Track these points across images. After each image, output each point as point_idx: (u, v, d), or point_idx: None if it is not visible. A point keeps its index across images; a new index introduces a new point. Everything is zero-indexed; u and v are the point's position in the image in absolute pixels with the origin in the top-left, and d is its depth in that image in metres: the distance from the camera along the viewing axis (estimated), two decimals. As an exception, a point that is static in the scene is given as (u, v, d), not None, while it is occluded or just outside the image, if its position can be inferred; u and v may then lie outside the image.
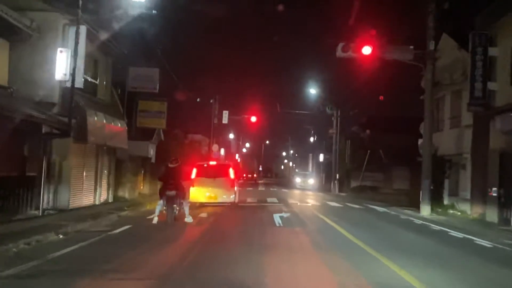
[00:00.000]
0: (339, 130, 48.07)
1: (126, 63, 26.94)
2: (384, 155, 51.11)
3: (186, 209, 14.92)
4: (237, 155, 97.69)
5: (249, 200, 26.63)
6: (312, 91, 48.15)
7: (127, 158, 25.03)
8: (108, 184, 21.78)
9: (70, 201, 17.27)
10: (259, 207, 21.80)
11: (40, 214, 15.26)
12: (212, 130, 48.58)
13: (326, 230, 14.23)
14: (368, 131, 50.19)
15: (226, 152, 78.68)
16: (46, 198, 16.44)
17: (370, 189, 46.29)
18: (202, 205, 20.38)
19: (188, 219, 14.83)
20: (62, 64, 15.70)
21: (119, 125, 21.50)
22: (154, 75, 29.65)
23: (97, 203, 20.35)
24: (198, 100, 41.74)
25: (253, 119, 48.50)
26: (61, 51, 15.74)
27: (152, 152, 29.89)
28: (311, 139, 74.59)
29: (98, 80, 20.70)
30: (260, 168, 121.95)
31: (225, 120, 48.25)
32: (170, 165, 14.67)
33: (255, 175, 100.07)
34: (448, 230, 15.48)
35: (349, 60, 24.17)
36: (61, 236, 11.41)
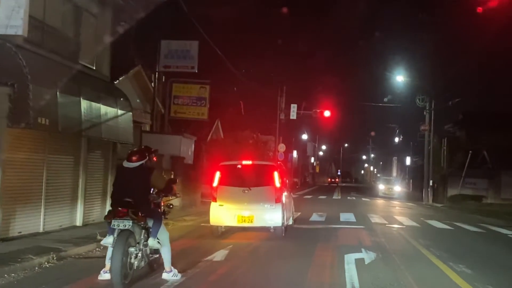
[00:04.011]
0: (433, 127, 39.04)
1: (143, 29, 19.93)
2: (489, 157, 41.93)
3: (165, 254, 7.43)
4: (313, 159, 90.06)
5: (314, 217, 18.83)
6: (399, 78, 39.34)
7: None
8: (104, 195, 14.83)
9: (2, 226, 10.27)
10: (325, 234, 13.93)
11: None
12: (278, 127, 41.13)
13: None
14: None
15: (299, 155, 71.20)
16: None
17: (472, 199, 37.55)
18: (232, 230, 12.97)
19: (169, 274, 7.40)
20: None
21: (118, 108, 14.51)
22: (191, 49, 22.72)
23: (78, 223, 13.48)
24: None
25: (327, 113, 40.45)
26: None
27: (187, 150, 22.71)
28: (396, 140, 65.42)
29: (81, 38, 13.75)
30: (339, 173, 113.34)
31: (293, 116, 40.55)
32: (125, 165, 7.25)
33: (337, 180, 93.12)
34: None
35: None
36: None
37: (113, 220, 6.79)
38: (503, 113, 43.22)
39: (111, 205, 7.06)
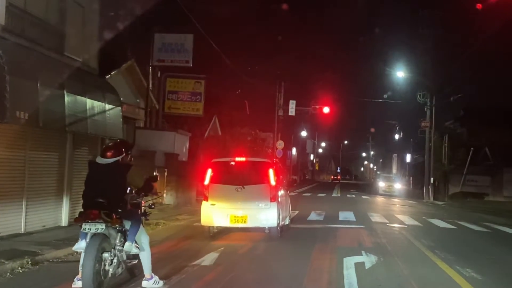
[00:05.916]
0: (434, 124, 38.31)
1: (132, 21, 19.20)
2: (491, 154, 41.29)
3: (144, 260, 6.77)
4: (312, 156, 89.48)
5: (312, 216, 18.18)
6: (400, 74, 38.68)
7: (135, 154, 17.33)
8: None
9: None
10: (323, 234, 13.26)
11: None
12: (276, 124, 40.41)
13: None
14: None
15: (299, 152, 70.53)
16: None
17: (474, 197, 37.02)
18: (225, 230, 12.31)
19: (149, 282, 6.71)
20: None
21: (106, 103, 13.82)
22: (186, 42, 22.03)
23: (63, 223, 12.83)
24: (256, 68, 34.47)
25: (326, 110, 39.63)
26: None
27: (181, 146, 22.01)
28: (396, 136, 64.66)
29: (66, 29, 13.05)
30: (338, 170, 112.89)
31: (291, 112, 39.83)
32: (98, 161, 6.54)
33: (338, 177, 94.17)
34: None
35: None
36: None
37: (83, 223, 6.09)
38: (505, 109, 42.55)
39: (82, 206, 6.34)
